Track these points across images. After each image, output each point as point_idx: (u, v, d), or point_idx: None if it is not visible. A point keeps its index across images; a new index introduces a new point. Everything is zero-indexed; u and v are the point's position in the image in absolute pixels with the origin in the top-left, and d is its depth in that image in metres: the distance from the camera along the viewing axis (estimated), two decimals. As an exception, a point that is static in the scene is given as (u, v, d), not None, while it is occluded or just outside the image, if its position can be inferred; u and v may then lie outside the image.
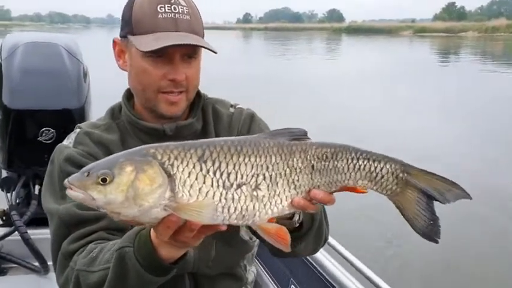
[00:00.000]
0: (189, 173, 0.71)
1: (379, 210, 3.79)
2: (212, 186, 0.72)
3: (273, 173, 0.76)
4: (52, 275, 2.19)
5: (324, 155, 0.79)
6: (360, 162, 0.79)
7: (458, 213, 3.96)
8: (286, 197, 0.78)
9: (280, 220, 0.83)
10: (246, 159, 0.75)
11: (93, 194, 0.71)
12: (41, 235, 2.27)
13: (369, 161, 0.80)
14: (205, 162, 0.72)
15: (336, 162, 0.78)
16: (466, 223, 4.61)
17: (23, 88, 2.19)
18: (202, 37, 1.17)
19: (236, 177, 0.74)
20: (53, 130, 2.18)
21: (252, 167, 0.75)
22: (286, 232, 0.80)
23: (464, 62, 24.65)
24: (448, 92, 13.17)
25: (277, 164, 0.76)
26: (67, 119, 2.22)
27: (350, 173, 0.79)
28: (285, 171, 0.77)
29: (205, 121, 1.29)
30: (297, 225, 1.02)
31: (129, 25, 1.15)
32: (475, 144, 7.89)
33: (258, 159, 0.75)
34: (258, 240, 1.32)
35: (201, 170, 0.72)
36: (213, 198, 0.72)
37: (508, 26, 64.43)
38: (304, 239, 1.08)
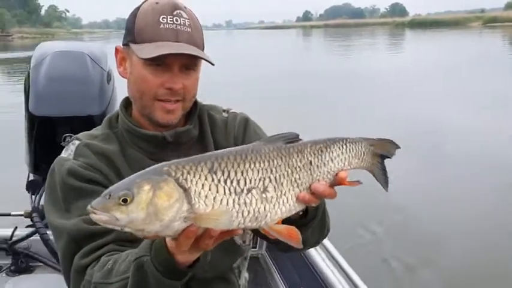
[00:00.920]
0: (203, 185, 0.78)
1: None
2: (225, 194, 0.78)
3: (277, 175, 0.83)
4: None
5: (319, 150, 0.89)
6: (348, 146, 0.93)
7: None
8: (291, 195, 0.85)
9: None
10: (252, 166, 0.82)
11: (116, 214, 0.76)
12: None
13: (352, 144, 0.93)
14: (215, 173, 0.79)
15: (330, 153, 0.90)
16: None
17: (48, 95, 2.28)
18: (202, 49, 1.19)
19: (245, 182, 0.80)
20: (75, 136, 2.26)
21: (258, 172, 0.82)
22: (297, 231, 0.87)
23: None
24: None
25: (279, 166, 0.84)
26: (88, 124, 2.27)
27: (344, 157, 0.91)
28: (287, 171, 0.84)
29: (202, 127, 1.31)
30: (301, 213, 1.04)
31: (132, 34, 1.17)
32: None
33: (262, 164, 0.82)
34: (250, 244, 1.36)
35: (213, 180, 0.78)
36: (227, 205, 0.78)
37: None
38: (309, 226, 1.10)
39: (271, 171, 0.83)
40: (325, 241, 1.67)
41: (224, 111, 1.38)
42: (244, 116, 1.39)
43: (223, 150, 0.87)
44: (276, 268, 2.26)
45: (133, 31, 1.16)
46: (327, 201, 1.01)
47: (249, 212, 0.80)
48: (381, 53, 27.46)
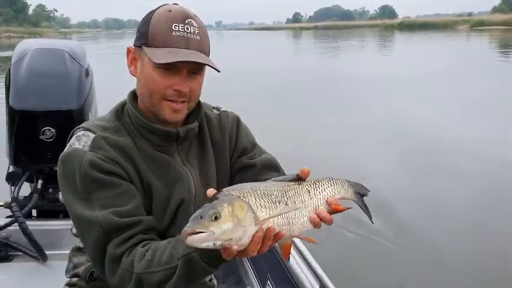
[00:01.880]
0: (255, 200, 1.03)
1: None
2: (269, 207, 1.05)
3: (292, 199, 1.10)
4: (50, 263, 2.42)
5: (314, 183, 1.15)
6: (334, 181, 1.20)
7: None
8: (304, 214, 1.12)
9: None
10: (283, 193, 1.09)
11: (212, 229, 0.95)
12: (42, 226, 2.46)
13: (337, 180, 1.21)
14: (257, 193, 1.05)
15: (322, 185, 1.16)
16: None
17: (27, 90, 2.37)
18: (208, 56, 1.31)
19: (278, 201, 1.07)
20: (53, 129, 2.35)
21: (287, 198, 1.09)
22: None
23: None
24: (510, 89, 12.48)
25: (292, 194, 1.11)
26: (67, 118, 2.39)
27: (332, 188, 1.18)
28: (297, 198, 1.11)
29: (200, 124, 1.43)
30: None
31: (145, 38, 1.26)
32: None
33: (284, 194, 1.09)
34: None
35: (259, 198, 1.03)
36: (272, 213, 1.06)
37: None
38: None
39: (289, 197, 1.10)
40: None
41: (214, 108, 1.52)
42: (236, 115, 1.54)
43: (250, 183, 1.09)
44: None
45: (146, 35, 1.25)
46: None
47: (287, 218, 1.08)
48: (370, 55, 27.61)
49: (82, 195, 1.21)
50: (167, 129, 1.32)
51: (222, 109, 1.52)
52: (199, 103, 1.40)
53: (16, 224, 2.31)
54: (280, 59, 24.70)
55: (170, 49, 1.22)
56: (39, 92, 2.38)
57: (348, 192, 1.23)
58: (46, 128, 2.35)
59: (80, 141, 1.26)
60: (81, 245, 1.42)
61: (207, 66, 1.29)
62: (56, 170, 1.27)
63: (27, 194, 2.52)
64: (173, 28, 1.23)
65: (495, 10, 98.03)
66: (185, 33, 1.23)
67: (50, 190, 2.54)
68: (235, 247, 0.98)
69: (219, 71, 1.26)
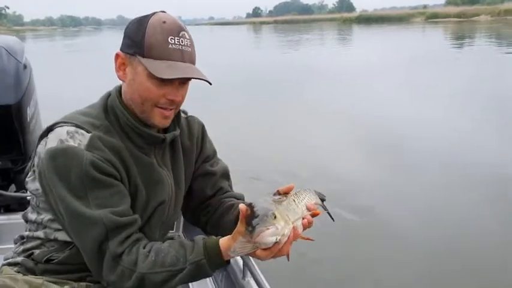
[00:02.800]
0: (279, 210, 1.19)
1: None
2: (291, 214, 1.23)
3: (297, 210, 1.27)
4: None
5: (296, 194, 1.30)
6: (308, 191, 1.37)
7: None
8: (300, 220, 1.28)
9: None
10: (288, 204, 1.25)
11: (277, 224, 1.14)
12: None
13: (310, 190, 1.38)
14: (282, 205, 1.23)
15: (302, 195, 1.32)
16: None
17: None
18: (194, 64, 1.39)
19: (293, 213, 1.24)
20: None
21: (292, 208, 1.25)
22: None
23: (479, 47, 24.07)
24: (465, 78, 12.87)
25: (295, 205, 1.27)
26: (5, 113, 2.37)
27: (309, 196, 1.35)
28: (292, 206, 1.26)
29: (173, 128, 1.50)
30: None
31: (140, 47, 1.28)
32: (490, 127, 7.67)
33: (289, 205, 1.25)
34: None
35: (284, 208, 1.21)
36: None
37: (522, 8, 63.10)
38: None
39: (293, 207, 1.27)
40: None
41: (181, 111, 1.55)
42: (201, 122, 1.64)
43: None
44: None
45: (142, 45, 1.28)
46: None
47: (297, 225, 1.26)
48: (329, 48, 28.01)
49: (77, 192, 1.24)
50: (156, 134, 1.39)
51: (188, 114, 1.60)
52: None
53: None
54: (240, 54, 24.73)
55: (168, 62, 1.27)
56: None
57: (316, 199, 1.40)
58: None
59: (74, 138, 1.28)
60: (27, 233, 1.44)
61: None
62: None
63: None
64: (169, 41, 1.28)
65: (448, 3, 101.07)
66: (180, 46, 1.29)
67: None
68: (284, 241, 1.16)
69: (211, 84, 1.32)
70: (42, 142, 1.32)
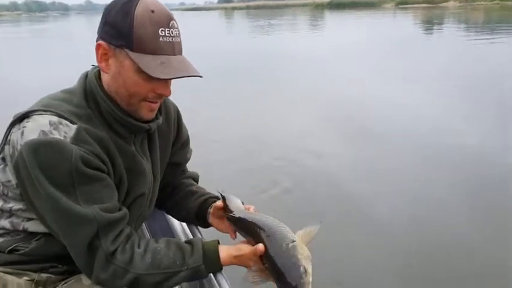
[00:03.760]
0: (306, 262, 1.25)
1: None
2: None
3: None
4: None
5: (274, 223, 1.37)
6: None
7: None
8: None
9: None
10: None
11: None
12: None
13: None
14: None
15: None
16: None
17: None
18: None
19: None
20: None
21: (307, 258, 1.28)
22: None
23: (447, 32, 24.58)
24: (436, 62, 12.99)
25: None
26: None
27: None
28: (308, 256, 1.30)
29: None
30: None
31: (128, 41, 1.19)
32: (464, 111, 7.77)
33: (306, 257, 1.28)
34: None
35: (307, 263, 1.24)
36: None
37: (488, -6, 64.33)
38: None
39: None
40: None
41: None
42: (175, 104, 1.59)
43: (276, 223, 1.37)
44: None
45: (130, 39, 1.19)
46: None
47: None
48: (301, 33, 28.01)
49: (65, 188, 1.17)
50: (142, 125, 1.34)
51: None
52: None
53: None
54: (211, 40, 24.47)
55: (160, 58, 1.20)
56: None
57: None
58: None
59: (59, 130, 1.18)
60: None
61: None
62: None
63: None
64: (160, 33, 1.20)
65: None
66: (171, 38, 1.23)
67: None
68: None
69: (201, 77, 1.25)
70: (16, 130, 1.21)
